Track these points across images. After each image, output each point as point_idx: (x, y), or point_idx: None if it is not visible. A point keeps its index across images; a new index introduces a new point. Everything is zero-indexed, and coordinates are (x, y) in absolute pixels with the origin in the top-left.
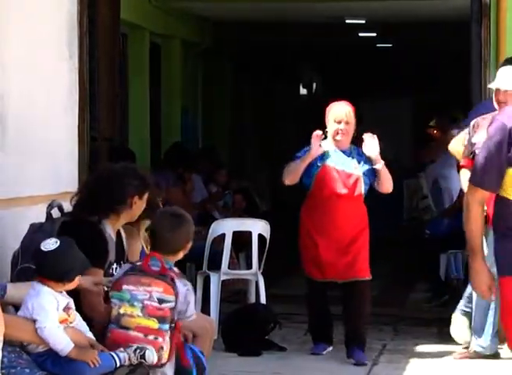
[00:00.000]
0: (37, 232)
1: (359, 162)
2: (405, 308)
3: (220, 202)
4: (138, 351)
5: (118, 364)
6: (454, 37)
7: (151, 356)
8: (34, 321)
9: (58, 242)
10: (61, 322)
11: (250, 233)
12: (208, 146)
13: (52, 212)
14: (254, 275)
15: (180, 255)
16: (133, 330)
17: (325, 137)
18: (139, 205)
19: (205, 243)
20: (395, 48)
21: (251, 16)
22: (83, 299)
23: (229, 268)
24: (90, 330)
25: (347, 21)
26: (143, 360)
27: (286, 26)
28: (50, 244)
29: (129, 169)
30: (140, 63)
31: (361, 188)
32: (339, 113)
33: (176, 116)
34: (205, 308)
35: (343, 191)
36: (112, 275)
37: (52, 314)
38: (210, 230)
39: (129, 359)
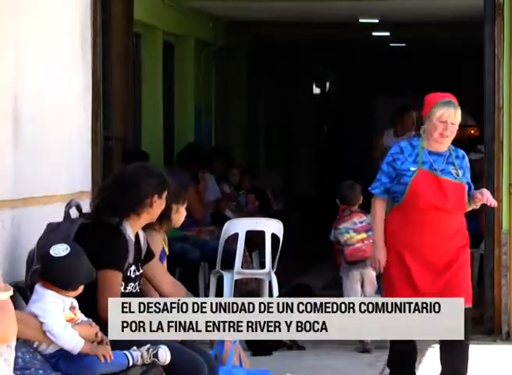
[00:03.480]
0: (53, 232)
1: (460, 168)
2: None
3: (233, 202)
4: (151, 349)
5: (131, 362)
6: (467, 37)
7: (164, 355)
8: (41, 324)
9: (69, 249)
10: (68, 321)
11: (263, 232)
12: (221, 145)
13: (70, 211)
14: (268, 274)
15: None
16: None
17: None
18: (159, 204)
19: (218, 242)
20: (408, 47)
21: (265, 15)
22: (99, 300)
23: (242, 267)
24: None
25: (361, 20)
26: (156, 359)
27: (300, 26)
28: (60, 249)
29: (145, 168)
30: (154, 63)
31: (465, 199)
32: (447, 112)
33: (190, 115)
34: None
35: (444, 202)
36: (130, 277)
37: (58, 315)
38: (223, 230)
39: (142, 358)
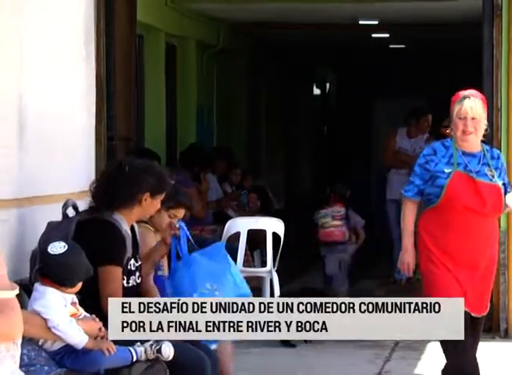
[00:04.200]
0: (53, 231)
1: (496, 168)
2: None
3: (234, 201)
4: (154, 345)
5: (134, 357)
6: (466, 38)
7: (167, 351)
8: (45, 321)
9: (66, 247)
10: (71, 316)
11: (264, 231)
12: (223, 146)
13: (68, 211)
14: (269, 272)
15: None
16: None
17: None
18: (149, 204)
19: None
20: (407, 48)
21: (266, 16)
22: (102, 296)
23: (243, 266)
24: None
25: (361, 22)
26: (159, 355)
27: (301, 27)
28: (58, 247)
29: (149, 166)
30: (156, 64)
31: (502, 202)
32: (464, 107)
33: (192, 115)
34: None
35: (481, 205)
36: (130, 270)
37: (61, 311)
38: (225, 229)
39: (146, 353)
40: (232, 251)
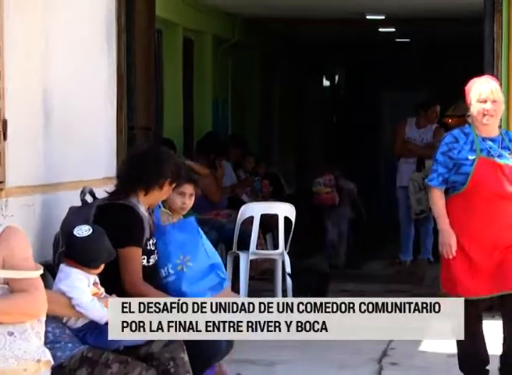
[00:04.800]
0: (74, 215)
1: None
2: (422, 285)
3: (248, 187)
4: None
5: None
6: (469, 32)
7: None
8: (70, 299)
9: (91, 230)
10: (93, 295)
11: (276, 215)
12: (238, 135)
13: (86, 198)
14: (281, 255)
15: None
16: None
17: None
18: (166, 191)
19: (235, 225)
20: (413, 42)
21: (278, 12)
22: (124, 277)
23: (257, 248)
24: None
25: (368, 17)
26: None
27: (311, 22)
28: (83, 230)
29: (172, 156)
30: (174, 57)
31: None
32: (484, 90)
33: (208, 106)
34: (235, 286)
35: (507, 189)
36: (150, 250)
37: (85, 290)
38: (239, 213)
39: None
40: (246, 235)
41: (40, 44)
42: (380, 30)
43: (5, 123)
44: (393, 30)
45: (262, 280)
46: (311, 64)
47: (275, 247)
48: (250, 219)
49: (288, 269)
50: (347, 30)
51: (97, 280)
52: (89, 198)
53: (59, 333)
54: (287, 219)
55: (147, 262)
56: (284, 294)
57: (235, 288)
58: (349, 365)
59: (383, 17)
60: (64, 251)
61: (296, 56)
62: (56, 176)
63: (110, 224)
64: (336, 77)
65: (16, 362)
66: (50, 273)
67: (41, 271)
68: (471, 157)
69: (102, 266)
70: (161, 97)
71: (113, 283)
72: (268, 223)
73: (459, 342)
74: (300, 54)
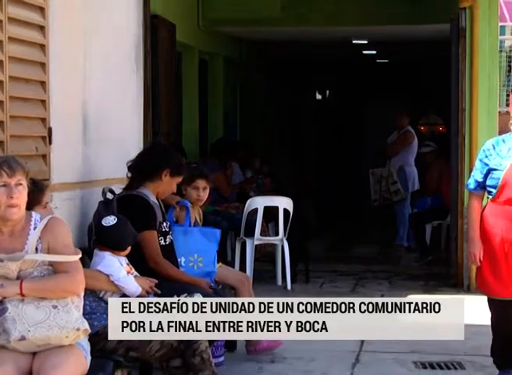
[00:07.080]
0: (102, 208)
1: None
2: (398, 265)
3: (253, 184)
4: (188, 297)
5: None
6: (437, 54)
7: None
8: (108, 276)
9: (116, 219)
10: (127, 272)
11: (277, 207)
12: (245, 140)
13: (108, 196)
14: (280, 240)
15: None
16: None
17: None
18: (168, 182)
19: (242, 215)
20: (391, 62)
21: (278, 36)
22: (147, 255)
23: (260, 235)
24: None
25: (353, 41)
26: None
27: (306, 45)
28: (110, 220)
29: (170, 152)
30: (191, 75)
31: None
32: None
33: (220, 116)
34: (242, 267)
35: None
36: (165, 232)
37: (120, 268)
38: (246, 206)
39: None
40: (252, 224)
41: (80, 63)
42: (364, 52)
43: (50, 130)
44: (375, 52)
45: (265, 262)
46: (305, 80)
47: (276, 233)
48: (255, 210)
49: (287, 253)
50: (336, 52)
51: (127, 261)
52: (110, 196)
53: (96, 306)
54: (286, 211)
55: (165, 241)
56: (283, 273)
57: (242, 269)
58: None
59: (366, 42)
60: (95, 238)
61: (292, 73)
62: (92, 175)
63: (128, 213)
64: (327, 92)
65: (59, 331)
66: (88, 255)
67: (80, 255)
68: (504, 163)
69: (129, 248)
70: (180, 108)
71: (139, 263)
72: (270, 213)
73: (495, 334)
74: (295, 71)
